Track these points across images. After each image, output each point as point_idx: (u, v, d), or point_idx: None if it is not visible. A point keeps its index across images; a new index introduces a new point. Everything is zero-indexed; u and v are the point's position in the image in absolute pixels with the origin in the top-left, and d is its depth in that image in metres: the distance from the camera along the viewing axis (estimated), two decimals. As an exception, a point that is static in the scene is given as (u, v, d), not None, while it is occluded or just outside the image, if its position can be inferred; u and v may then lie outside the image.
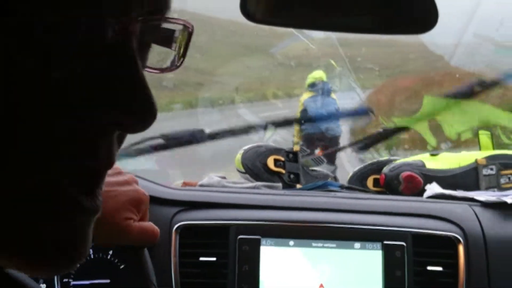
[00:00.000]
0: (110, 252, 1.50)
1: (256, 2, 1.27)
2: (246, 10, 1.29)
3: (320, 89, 7.51)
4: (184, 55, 0.64)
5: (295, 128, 7.59)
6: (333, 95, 7.67)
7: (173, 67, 0.64)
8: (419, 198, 1.76)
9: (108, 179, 1.19)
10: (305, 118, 7.42)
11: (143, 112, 0.56)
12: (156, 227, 1.25)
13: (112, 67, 0.54)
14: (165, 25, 0.62)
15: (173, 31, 0.63)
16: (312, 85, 7.66)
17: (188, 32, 0.63)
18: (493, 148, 2.05)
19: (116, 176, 1.22)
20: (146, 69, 0.61)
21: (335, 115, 7.51)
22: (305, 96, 7.69)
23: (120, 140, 0.61)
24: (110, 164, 0.59)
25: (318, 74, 7.78)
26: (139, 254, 1.25)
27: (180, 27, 0.63)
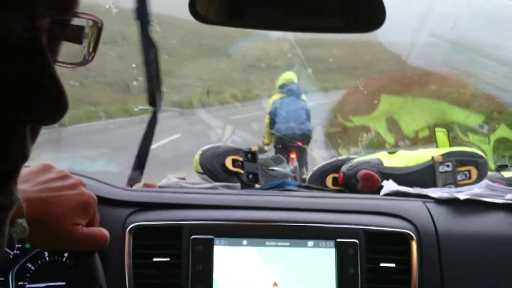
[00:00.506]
0: (66, 255, 1.49)
1: (207, 2, 1.28)
2: (195, 10, 1.29)
3: (290, 91, 7.51)
4: (94, 50, 0.64)
5: (265, 130, 7.61)
6: (303, 97, 7.68)
7: (85, 61, 0.64)
8: (374, 196, 1.77)
9: (54, 183, 1.18)
10: (274, 119, 7.44)
11: (53, 105, 0.56)
12: (105, 232, 1.23)
13: (22, 62, 0.54)
14: (76, 22, 0.62)
15: (82, 27, 0.63)
16: (283, 86, 7.65)
17: (98, 28, 0.64)
18: (450, 145, 2.07)
19: (62, 180, 1.20)
20: (58, 63, 0.62)
21: (305, 116, 7.53)
22: (275, 97, 7.68)
23: (34, 133, 0.61)
24: (23, 158, 0.59)
25: (288, 76, 7.78)
26: (89, 260, 1.24)
27: (90, 22, 0.63)
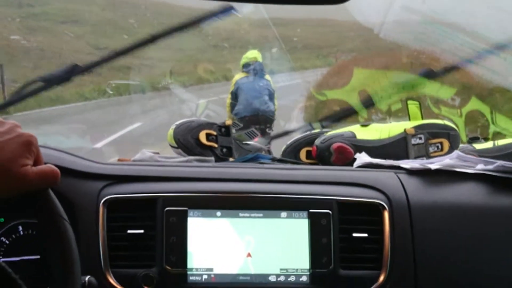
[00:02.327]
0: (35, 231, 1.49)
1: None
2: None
3: (254, 70, 7.38)
4: None
5: (227, 110, 7.49)
6: (267, 76, 7.58)
7: None
8: (347, 168, 1.78)
9: None
10: (236, 99, 7.31)
11: None
12: (54, 167, 1.22)
13: None
14: None
15: None
16: (246, 66, 7.50)
17: None
18: (422, 118, 2.09)
19: None
20: None
21: (268, 97, 7.44)
22: (238, 76, 7.53)
23: None
24: None
25: (252, 54, 7.62)
26: (45, 196, 1.22)
27: None
